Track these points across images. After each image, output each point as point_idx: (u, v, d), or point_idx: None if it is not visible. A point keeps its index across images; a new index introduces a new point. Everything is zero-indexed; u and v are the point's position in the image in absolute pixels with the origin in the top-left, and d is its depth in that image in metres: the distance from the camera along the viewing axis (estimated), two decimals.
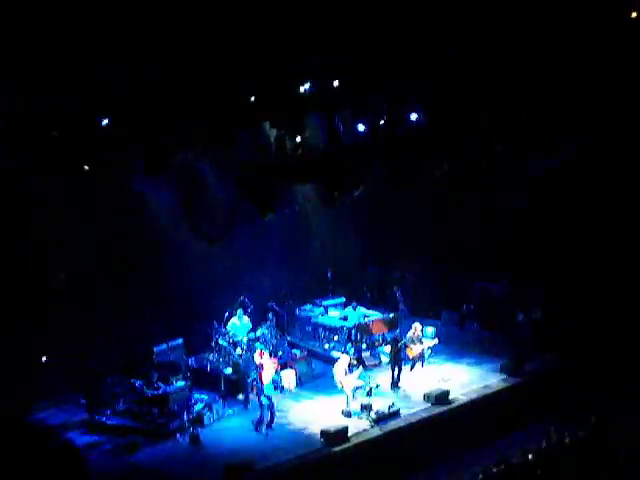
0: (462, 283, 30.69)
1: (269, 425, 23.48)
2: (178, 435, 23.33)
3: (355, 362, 26.21)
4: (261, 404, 23.59)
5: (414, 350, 27.06)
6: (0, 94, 18.86)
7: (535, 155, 27.09)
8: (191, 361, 27.05)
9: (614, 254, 28.12)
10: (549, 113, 24.83)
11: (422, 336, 27.65)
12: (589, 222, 28.20)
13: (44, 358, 25.30)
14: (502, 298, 30.09)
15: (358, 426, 23.51)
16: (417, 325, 27.46)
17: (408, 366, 27.10)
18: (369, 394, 25.01)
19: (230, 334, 27.25)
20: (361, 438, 23.01)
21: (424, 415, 24.36)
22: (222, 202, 26.79)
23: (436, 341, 28.23)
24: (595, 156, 27.26)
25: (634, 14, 22.17)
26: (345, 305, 30.83)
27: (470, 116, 24.60)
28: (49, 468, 19.10)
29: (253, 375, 24.69)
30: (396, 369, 26.30)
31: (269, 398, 23.60)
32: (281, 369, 26.62)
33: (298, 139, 24.64)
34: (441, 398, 24.89)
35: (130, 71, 20.02)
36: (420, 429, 23.90)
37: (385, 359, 27.92)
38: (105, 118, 20.69)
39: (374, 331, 29.06)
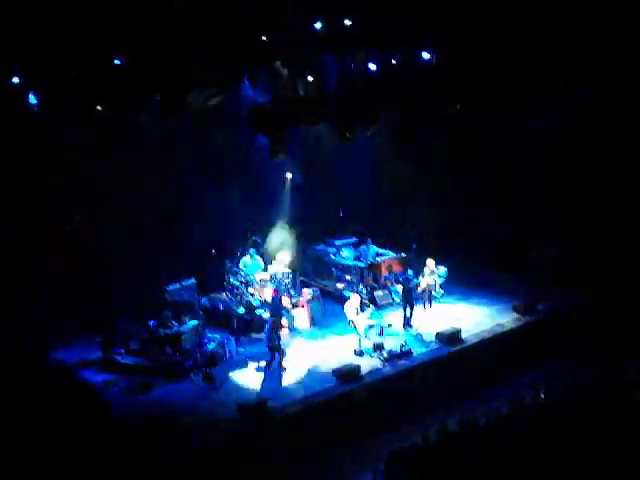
0: (475, 224, 30.59)
1: (280, 365, 23.60)
2: (192, 374, 23.51)
3: (367, 301, 26.32)
4: (269, 347, 23.77)
5: (423, 283, 27.12)
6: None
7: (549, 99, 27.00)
8: (204, 300, 27.13)
9: (632, 192, 27.92)
10: (565, 52, 24.70)
11: (437, 273, 27.76)
12: (605, 162, 27.97)
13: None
14: (517, 237, 30.03)
15: (370, 365, 23.66)
16: (431, 260, 27.53)
17: (421, 305, 27.23)
18: (381, 333, 25.13)
19: (242, 273, 27.34)
20: (373, 377, 23.15)
21: (436, 354, 24.51)
22: (236, 142, 26.70)
23: (439, 279, 28.25)
24: (612, 97, 27.03)
25: None
26: (358, 244, 30.81)
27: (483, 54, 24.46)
28: (69, 406, 19.39)
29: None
30: (408, 308, 26.39)
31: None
32: (293, 308, 26.76)
33: (310, 79, 24.49)
34: (453, 337, 25.00)
35: (142, 10, 19.94)
36: (432, 368, 24.02)
37: (397, 298, 27.98)
38: (118, 58, 20.60)
39: (386, 270, 29.09)
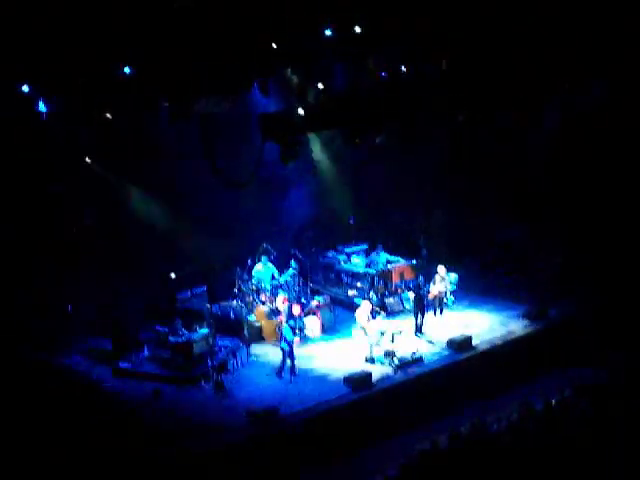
0: (484, 230, 30.56)
1: (292, 371, 23.60)
2: (202, 382, 23.50)
3: (378, 308, 26.29)
4: (283, 350, 23.74)
5: (434, 290, 27.08)
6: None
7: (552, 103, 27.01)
8: (214, 308, 27.12)
9: (633, 192, 27.83)
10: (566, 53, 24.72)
11: (448, 280, 27.75)
12: (607, 169, 27.89)
13: (69, 307, 25.53)
14: (524, 244, 29.99)
15: (382, 372, 23.62)
16: (442, 267, 27.53)
17: (431, 312, 27.17)
18: (392, 340, 25.07)
19: (253, 281, 27.34)
20: (385, 384, 23.12)
21: (447, 361, 24.47)
22: (247, 148, 26.71)
23: (450, 286, 28.21)
24: (612, 97, 27.01)
25: None
26: (368, 252, 30.80)
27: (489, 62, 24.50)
28: (86, 411, 19.42)
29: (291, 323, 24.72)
30: (419, 315, 26.34)
31: (289, 344, 23.69)
32: (304, 316, 26.72)
33: (320, 86, 24.54)
34: (464, 344, 24.95)
35: (150, 18, 19.99)
36: (443, 375, 23.97)
37: (408, 305, 27.91)
38: (126, 66, 20.65)
39: (397, 277, 29.04)
